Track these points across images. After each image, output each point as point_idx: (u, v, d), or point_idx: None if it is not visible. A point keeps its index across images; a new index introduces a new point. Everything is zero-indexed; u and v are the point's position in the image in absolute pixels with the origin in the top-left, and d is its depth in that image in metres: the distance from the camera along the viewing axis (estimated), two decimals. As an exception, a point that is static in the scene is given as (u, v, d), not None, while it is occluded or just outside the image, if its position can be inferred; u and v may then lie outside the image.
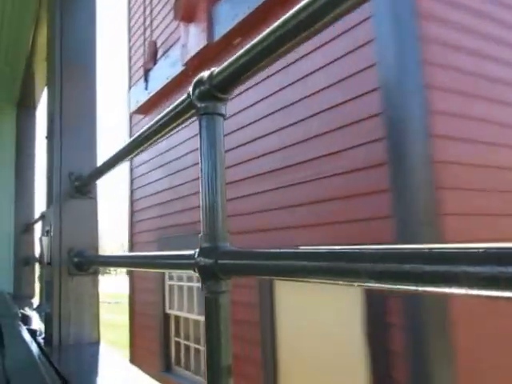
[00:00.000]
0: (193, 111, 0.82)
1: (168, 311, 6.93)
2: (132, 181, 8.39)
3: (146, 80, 7.13)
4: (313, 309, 4.13)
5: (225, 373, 0.79)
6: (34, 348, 1.78)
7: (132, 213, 8.38)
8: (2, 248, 3.57)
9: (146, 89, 7.09)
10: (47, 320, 1.91)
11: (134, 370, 1.51)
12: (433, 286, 0.43)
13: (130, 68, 8.78)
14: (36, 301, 3.11)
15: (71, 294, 1.77)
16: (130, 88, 8.42)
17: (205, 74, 0.76)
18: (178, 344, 6.83)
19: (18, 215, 3.61)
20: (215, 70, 0.74)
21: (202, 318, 5.04)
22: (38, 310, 2.42)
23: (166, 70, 6.53)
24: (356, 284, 0.54)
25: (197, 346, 6.24)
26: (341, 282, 0.56)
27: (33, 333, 1.94)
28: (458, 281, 0.40)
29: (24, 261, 3.49)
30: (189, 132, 5.72)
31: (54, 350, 1.74)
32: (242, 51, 0.68)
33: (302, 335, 4.30)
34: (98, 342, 1.80)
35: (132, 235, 8.36)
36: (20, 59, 3.23)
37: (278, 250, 0.62)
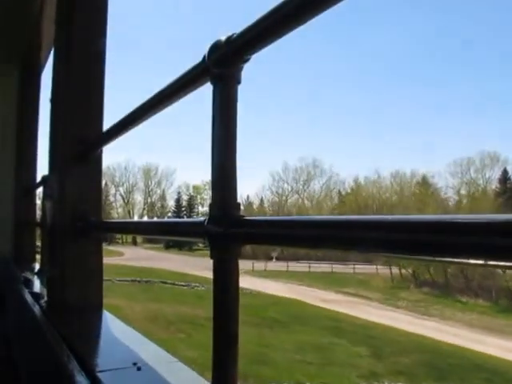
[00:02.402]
0: (207, 77, 0.80)
1: None
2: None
3: None
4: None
5: (232, 341, 0.80)
6: (37, 311, 1.79)
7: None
8: (3, 211, 3.56)
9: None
10: (50, 284, 1.91)
11: (138, 335, 1.52)
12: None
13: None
14: (37, 265, 3.12)
15: (75, 260, 1.77)
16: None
17: (222, 38, 0.74)
18: None
19: (19, 179, 3.58)
20: (233, 34, 0.72)
21: None
22: (40, 273, 2.43)
23: None
24: (366, 253, 0.54)
25: None
26: (352, 250, 0.56)
27: (35, 296, 1.95)
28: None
29: (24, 224, 3.48)
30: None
31: (57, 314, 1.75)
32: (262, 15, 0.66)
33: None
34: (100, 307, 1.81)
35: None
36: (27, 21, 3.14)
37: (287, 219, 0.62)
